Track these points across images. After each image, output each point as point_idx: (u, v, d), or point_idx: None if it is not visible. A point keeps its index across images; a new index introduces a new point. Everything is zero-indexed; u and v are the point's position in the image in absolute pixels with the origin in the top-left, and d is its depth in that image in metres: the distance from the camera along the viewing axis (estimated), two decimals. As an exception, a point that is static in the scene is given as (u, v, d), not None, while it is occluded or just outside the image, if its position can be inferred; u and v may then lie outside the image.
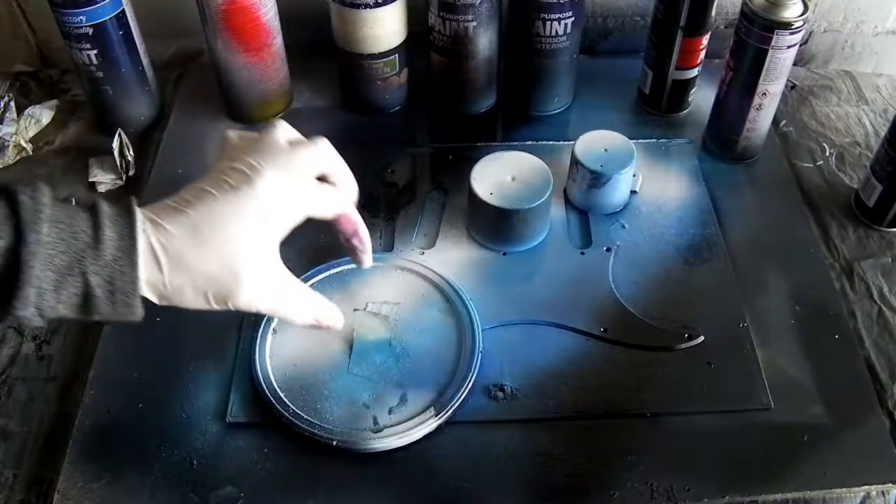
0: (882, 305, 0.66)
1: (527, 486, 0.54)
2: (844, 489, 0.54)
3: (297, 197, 0.48)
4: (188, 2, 0.74)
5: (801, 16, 0.66)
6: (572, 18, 0.74)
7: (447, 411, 0.56)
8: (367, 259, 0.56)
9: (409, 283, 0.65)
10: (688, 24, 0.75)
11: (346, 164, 0.52)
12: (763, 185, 0.76)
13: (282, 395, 0.57)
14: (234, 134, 0.50)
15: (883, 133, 0.70)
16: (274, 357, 0.60)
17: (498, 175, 0.66)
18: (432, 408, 0.57)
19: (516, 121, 0.82)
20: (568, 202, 0.73)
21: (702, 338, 0.62)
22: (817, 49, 0.92)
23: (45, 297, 0.40)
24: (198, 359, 0.61)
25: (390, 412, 0.57)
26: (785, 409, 0.58)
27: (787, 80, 0.72)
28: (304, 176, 0.48)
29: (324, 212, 0.50)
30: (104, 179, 0.76)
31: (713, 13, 0.75)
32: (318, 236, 0.69)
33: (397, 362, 0.60)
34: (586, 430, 0.57)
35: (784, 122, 0.83)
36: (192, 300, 0.45)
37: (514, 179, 0.66)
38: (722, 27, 0.89)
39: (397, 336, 0.61)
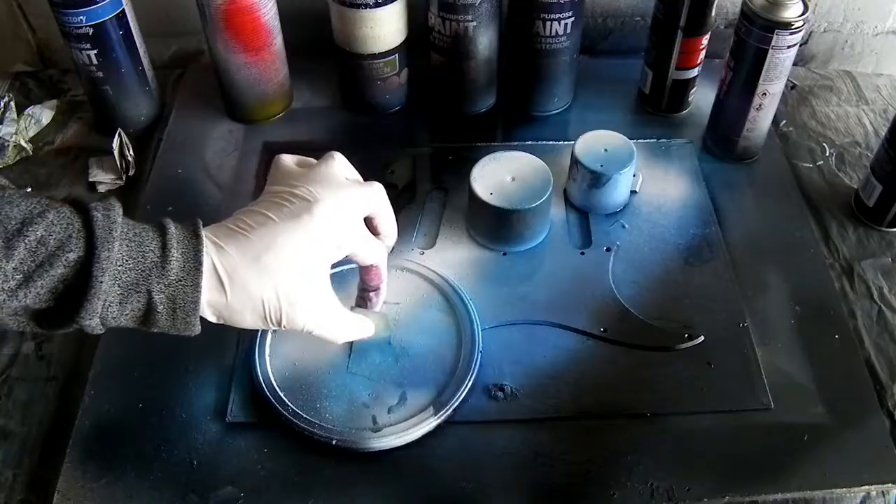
0: (882, 305, 0.66)
1: (527, 486, 0.54)
2: (844, 489, 0.54)
3: (350, 232, 0.50)
4: (188, 2, 0.74)
5: (801, 16, 0.66)
6: (572, 18, 0.74)
7: (446, 411, 0.56)
8: (376, 307, 0.58)
9: (409, 283, 0.65)
10: (688, 24, 0.75)
11: (394, 216, 0.54)
12: (763, 185, 0.76)
13: (281, 394, 0.58)
14: (289, 159, 0.52)
15: (883, 133, 0.70)
16: (274, 356, 0.60)
17: (498, 175, 0.66)
18: (431, 407, 0.57)
19: (516, 121, 0.82)
20: (568, 202, 0.73)
21: (702, 338, 0.62)
22: (817, 49, 0.92)
23: (110, 309, 0.42)
24: (198, 359, 0.61)
25: (389, 411, 0.57)
26: (785, 409, 0.58)
27: (787, 80, 0.72)
28: (358, 214, 0.51)
29: (365, 256, 0.53)
30: (104, 179, 0.76)
31: (713, 13, 0.75)
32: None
33: (397, 362, 0.60)
34: (586, 430, 0.57)
35: (784, 122, 0.83)
36: (249, 321, 0.47)
37: (514, 179, 0.66)
38: (722, 27, 0.89)
39: (397, 335, 0.61)
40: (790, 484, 0.54)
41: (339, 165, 0.52)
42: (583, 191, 0.70)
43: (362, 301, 0.58)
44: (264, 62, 0.77)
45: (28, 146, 0.80)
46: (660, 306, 0.64)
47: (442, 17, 0.73)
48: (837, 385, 0.60)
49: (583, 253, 0.68)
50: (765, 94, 0.70)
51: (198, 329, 0.45)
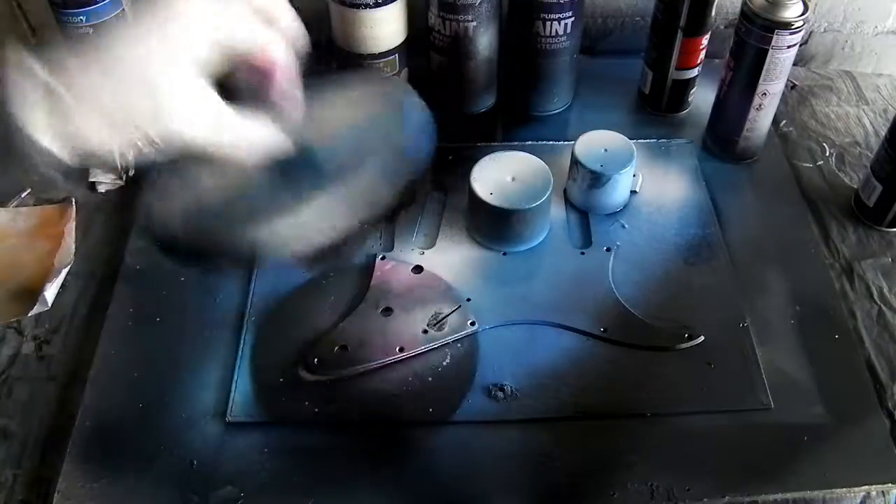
0: (882, 305, 0.66)
1: (527, 486, 0.54)
2: (844, 489, 0.54)
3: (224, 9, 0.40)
4: (188, 2, 0.73)
5: (801, 16, 0.65)
6: (572, 18, 0.74)
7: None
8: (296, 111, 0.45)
9: None
10: (688, 24, 0.75)
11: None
12: (763, 185, 0.76)
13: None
14: None
15: (883, 133, 0.70)
16: None
17: (498, 175, 0.66)
18: None
19: (516, 121, 0.82)
20: (568, 202, 0.73)
21: (702, 338, 0.62)
22: (817, 49, 0.92)
23: None
24: (198, 359, 0.61)
25: None
26: (785, 409, 0.58)
27: (787, 80, 0.72)
28: None
29: (246, 41, 0.41)
30: (104, 179, 0.75)
31: (713, 13, 0.75)
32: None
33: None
34: (586, 430, 0.57)
35: (784, 122, 0.83)
36: (101, 139, 0.38)
37: (514, 179, 0.66)
38: (722, 27, 0.89)
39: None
40: (790, 484, 0.54)
41: None
42: (583, 191, 0.70)
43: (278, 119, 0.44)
44: (264, 62, 0.77)
45: (28, 146, 0.79)
46: (660, 306, 0.64)
47: (442, 17, 0.73)
48: (837, 385, 0.60)
49: (583, 253, 0.68)
50: (765, 94, 0.70)
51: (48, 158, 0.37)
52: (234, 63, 0.41)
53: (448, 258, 0.67)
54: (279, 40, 0.42)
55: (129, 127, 0.38)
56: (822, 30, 0.91)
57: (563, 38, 0.75)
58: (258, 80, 0.43)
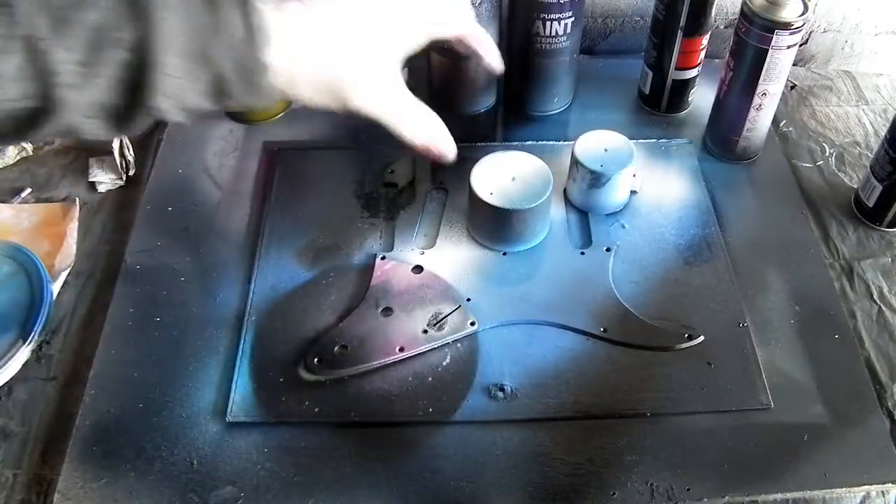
0: (882, 305, 0.66)
1: (527, 486, 0.54)
2: (844, 489, 0.54)
3: (424, 10, 0.49)
4: (188, 2, 0.73)
5: (800, 16, 0.65)
6: (572, 18, 0.74)
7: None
8: (497, 64, 0.56)
9: None
10: (688, 24, 0.75)
11: None
12: (763, 185, 0.76)
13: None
14: None
15: (883, 133, 0.70)
16: None
17: (498, 175, 0.66)
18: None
19: (516, 121, 0.82)
20: (568, 202, 0.73)
21: (702, 338, 0.62)
22: (817, 49, 0.92)
23: (181, 88, 0.41)
24: (198, 359, 0.61)
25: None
26: (785, 409, 0.58)
27: (787, 80, 0.72)
28: None
29: (446, 30, 0.51)
30: (104, 179, 0.76)
31: (713, 13, 0.75)
32: (318, 236, 0.69)
33: None
34: (586, 430, 0.57)
35: (784, 122, 0.83)
36: (309, 93, 0.45)
37: (514, 179, 0.66)
38: (722, 27, 0.89)
39: None
40: (790, 484, 0.54)
41: None
42: (583, 191, 0.70)
43: (482, 63, 0.56)
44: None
45: (28, 146, 0.79)
46: (660, 306, 0.64)
47: (442, 17, 0.73)
48: (837, 385, 0.60)
49: (583, 253, 0.68)
50: (765, 94, 0.70)
51: (272, 94, 0.44)
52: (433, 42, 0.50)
53: (448, 258, 0.67)
54: (467, 20, 0.53)
55: (326, 88, 0.45)
56: (822, 30, 0.91)
57: (563, 38, 0.75)
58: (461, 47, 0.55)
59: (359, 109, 0.47)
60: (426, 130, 0.50)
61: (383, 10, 0.47)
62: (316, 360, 0.60)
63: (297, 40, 0.44)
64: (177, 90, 0.41)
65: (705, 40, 0.77)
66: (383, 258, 0.67)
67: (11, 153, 0.78)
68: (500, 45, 0.77)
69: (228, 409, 0.58)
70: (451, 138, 0.50)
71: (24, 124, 0.40)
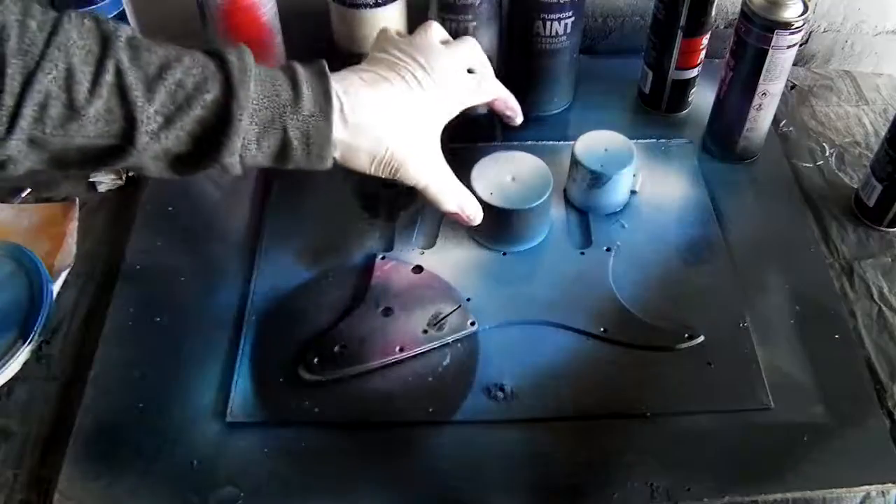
0: (882, 305, 0.66)
1: (527, 486, 0.54)
2: (844, 489, 0.54)
3: (458, 91, 0.56)
4: (188, 2, 0.74)
5: (801, 16, 0.65)
6: (572, 18, 0.74)
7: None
8: (519, 118, 0.65)
9: None
10: (688, 24, 0.75)
11: (486, 56, 0.60)
12: (763, 185, 0.76)
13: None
14: (391, 30, 0.58)
15: (883, 133, 0.70)
16: None
17: (498, 175, 0.66)
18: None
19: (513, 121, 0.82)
20: (568, 202, 0.73)
21: (702, 338, 0.62)
22: (817, 49, 0.92)
23: (248, 147, 0.46)
24: (198, 359, 0.61)
25: None
26: (785, 409, 0.58)
27: (787, 80, 0.72)
28: (462, 72, 0.57)
29: (476, 101, 0.59)
30: (104, 179, 0.76)
31: (713, 13, 0.75)
32: (318, 237, 0.69)
33: None
34: (586, 430, 0.57)
35: (784, 122, 0.83)
36: (364, 164, 0.52)
37: (514, 179, 0.66)
38: (722, 27, 0.89)
39: None
40: (790, 484, 0.54)
41: (434, 32, 0.58)
42: (583, 191, 0.70)
43: (506, 119, 0.65)
44: (264, 62, 0.76)
45: (28, 146, 0.79)
46: (660, 306, 0.64)
47: (442, 17, 0.73)
48: (837, 385, 0.60)
49: (583, 253, 0.68)
50: (765, 94, 0.70)
51: (330, 163, 0.50)
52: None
53: (448, 258, 0.67)
54: (492, 89, 0.61)
55: (382, 161, 0.52)
56: (822, 30, 0.91)
57: (563, 38, 0.75)
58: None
59: (406, 180, 0.54)
60: (458, 199, 0.58)
61: (430, 94, 0.54)
62: (316, 360, 0.60)
63: (360, 119, 0.49)
64: (244, 151, 0.46)
65: (705, 40, 0.77)
66: (383, 258, 0.67)
67: (11, 153, 0.78)
68: (500, 45, 0.78)
69: (228, 410, 0.58)
70: (478, 204, 0.60)
71: (96, 159, 0.44)
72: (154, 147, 0.43)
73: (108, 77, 0.41)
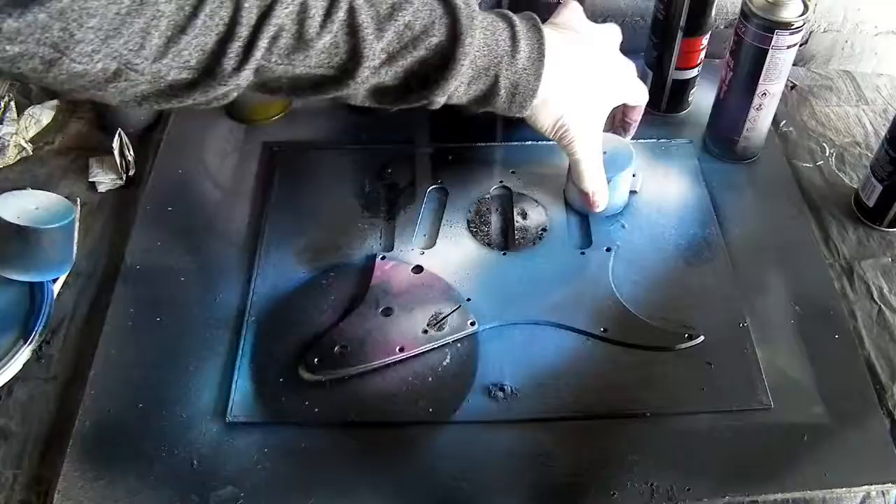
0: (882, 305, 0.66)
1: (527, 486, 0.54)
2: (844, 489, 0.54)
3: (628, 75, 0.61)
4: (188, 2, 0.73)
5: (801, 16, 0.65)
6: (572, 18, 0.74)
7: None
8: (632, 131, 0.70)
9: None
10: (688, 24, 0.75)
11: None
12: (763, 185, 0.76)
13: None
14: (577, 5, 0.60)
15: (883, 133, 0.70)
16: None
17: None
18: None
19: (516, 120, 0.81)
20: (567, 203, 0.73)
21: (702, 338, 0.62)
22: (817, 49, 0.92)
23: (458, 88, 0.48)
24: (198, 359, 0.61)
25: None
26: (785, 409, 0.58)
27: (787, 80, 0.72)
28: (632, 66, 0.62)
29: (637, 95, 0.64)
30: (104, 179, 0.76)
31: (713, 13, 0.75)
32: (318, 237, 0.69)
33: None
34: (586, 430, 0.57)
35: (784, 122, 0.83)
36: (546, 124, 0.55)
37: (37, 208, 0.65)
38: (722, 27, 0.89)
39: None
40: (790, 484, 0.54)
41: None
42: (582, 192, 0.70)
43: (622, 132, 0.69)
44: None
45: (28, 146, 0.80)
46: (660, 306, 0.64)
47: (442, 17, 0.73)
48: (837, 385, 0.60)
49: (583, 253, 0.68)
50: (765, 94, 0.70)
51: (528, 113, 0.53)
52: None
53: (448, 258, 0.67)
54: (646, 97, 0.66)
55: (561, 128, 0.56)
56: (822, 30, 0.91)
57: (563, 38, 0.75)
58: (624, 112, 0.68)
59: (568, 148, 0.58)
60: (599, 183, 0.62)
61: (612, 70, 0.58)
62: (316, 360, 0.60)
63: (560, 82, 0.52)
64: (454, 90, 0.48)
65: (705, 40, 0.77)
66: (383, 258, 0.67)
67: (11, 153, 0.78)
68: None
69: (228, 409, 0.58)
70: (608, 195, 0.65)
71: (312, 87, 0.46)
72: (371, 80, 0.45)
73: (341, 14, 0.43)
